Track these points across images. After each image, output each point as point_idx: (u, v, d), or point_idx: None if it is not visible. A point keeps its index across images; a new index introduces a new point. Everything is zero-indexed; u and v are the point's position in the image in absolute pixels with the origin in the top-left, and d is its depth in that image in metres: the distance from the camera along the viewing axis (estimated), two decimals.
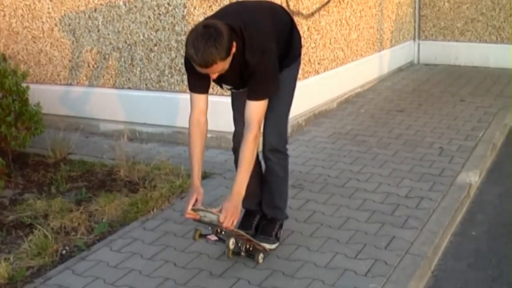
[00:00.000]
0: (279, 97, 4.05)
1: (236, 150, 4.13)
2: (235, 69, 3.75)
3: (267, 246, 4.15)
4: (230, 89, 4.14)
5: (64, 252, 4.39)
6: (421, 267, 4.00)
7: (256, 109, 3.82)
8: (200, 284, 3.84)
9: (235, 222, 3.74)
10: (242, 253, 4.02)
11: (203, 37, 3.49)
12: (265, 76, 3.82)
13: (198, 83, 3.90)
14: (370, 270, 3.90)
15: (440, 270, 4.17)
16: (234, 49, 3.64)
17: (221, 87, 4.12)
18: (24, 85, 6.04)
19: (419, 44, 10.97)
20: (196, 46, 3.50)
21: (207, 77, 3.79)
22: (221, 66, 3.59)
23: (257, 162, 4.16)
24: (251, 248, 4.03)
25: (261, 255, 4.07)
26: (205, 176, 5.59)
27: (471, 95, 8.39)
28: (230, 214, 3.68)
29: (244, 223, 4.39)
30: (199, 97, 3.94)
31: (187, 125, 6.16)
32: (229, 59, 3.63)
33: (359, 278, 3.83)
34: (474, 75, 9.71)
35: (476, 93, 8.50)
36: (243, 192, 3.79)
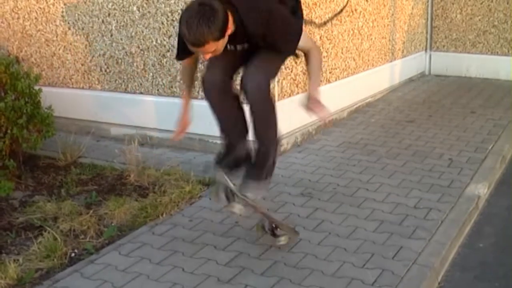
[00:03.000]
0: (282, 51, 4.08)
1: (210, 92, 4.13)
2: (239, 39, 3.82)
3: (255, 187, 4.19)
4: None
5: (73, 255, 4.41)
6: (428, 278, 4.00)
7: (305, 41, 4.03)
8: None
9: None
10: (267, 231, 4.30)
11: (197, 15, 3.45)
12: (287, 29, 3.91)
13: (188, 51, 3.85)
14: (377, 280, 3.91)
15: (447, 282, 4.17)
16: (229, 30, 3.61)
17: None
18: (36, 87, 6.07)
19: (430, 55, 10.97)
20: (189, 24, 3.46)
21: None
22: (214, 46, 3.54)
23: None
24: (277, 228, 4.29)
25: (284, 237, 4.25)
26: (214, 182, 5.60)
27: (482, 107, 8.39)
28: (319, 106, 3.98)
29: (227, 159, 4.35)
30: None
31: (198, 131, 6.20)
32: (224, 40, 3.59)
33: (366, 287, 3.84)
34: (485, 87, 9.71)
35: (487, 105, 8.50)
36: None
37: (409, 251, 4.30)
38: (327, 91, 7.32)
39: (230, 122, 4.27)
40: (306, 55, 4.09)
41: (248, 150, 4.29)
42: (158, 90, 6.95)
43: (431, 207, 5.05)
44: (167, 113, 6.89)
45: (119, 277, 4.06)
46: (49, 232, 4.53)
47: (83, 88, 7.56)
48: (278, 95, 6.47)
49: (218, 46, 3.58)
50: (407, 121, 7.76)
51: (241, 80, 3.93)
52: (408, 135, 7.11)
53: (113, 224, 4.84)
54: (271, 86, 4.07)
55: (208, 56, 3.64)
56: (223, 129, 4.31)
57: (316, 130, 7.10)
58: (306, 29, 5.19)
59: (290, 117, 6.63)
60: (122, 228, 4.81)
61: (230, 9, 3.64)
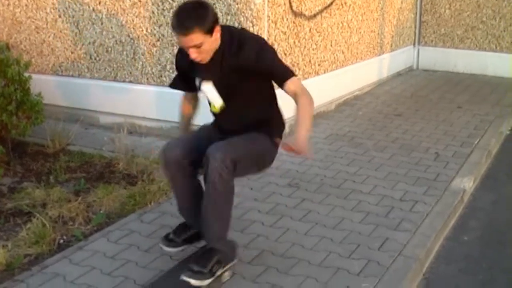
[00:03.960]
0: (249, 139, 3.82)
1: (168, 165, 3.85)
2: (220, 66, 3.69)
3: (194, 281, 3.58)
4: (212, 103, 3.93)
5: (61, 241, 4.43)
6: (413, 269, 4.05)
7: (295, 82, 3.68)
8: None
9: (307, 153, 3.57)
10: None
11: (187, 7, 3.51)
12: (275, 58, 3.73)
13: (181, 83, 4.08)
14: (362, 270, 3.95)
15: (432, 273, 4.22)
16: (217, 34, 3.56)
17: (199, 88, 3.92)
18: (26, 75, 6.08)
19: (418, 50, 11.04)
20: (179, 13, 3.49)
21: (191, 79, 3.88)
22: (200, 39, 3.45)
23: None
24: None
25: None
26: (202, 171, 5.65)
27: (469, 102, 8.45)
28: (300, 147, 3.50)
29: (177, 233, 4.04)
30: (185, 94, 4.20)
31: None
32: (210, 39, 3.51)
33: (352, 277, 3.87)
34: (472, 82, 9.79)
35: (474, 100, 8.57)
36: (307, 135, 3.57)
37: (394, 242, 4.34)
38: (315, 83, 7.37)
39: (187, 201, 3.98)
40: (296, 99, 3.67)
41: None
42: (147, 79, 6.98)
43: (417, 199, 5.10)
44: (156, 102, 6.93)
45: (107, 263, 4.08)
46: (37, 219, 4.55)
47: (72, 76, 7.56)
48: None
49: (204, 43, 3.49)
50: (394, 114, 7.81)
51: (205, 154, 3.61)
52: (395, 129, 7.17)
53: (101, 211, 4.87)
54: (232, 173, 3.62)
55: (193, 54, 3.52)
56: (179, 206, 4.06)
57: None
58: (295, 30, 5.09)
59: (289, 105, 6.69)
60: (111, 215, 4.84)
61: (222, 29, 3.65)
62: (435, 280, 4.14)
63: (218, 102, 3.85)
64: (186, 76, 3.97)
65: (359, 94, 8.84)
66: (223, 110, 3.89)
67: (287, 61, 6.86)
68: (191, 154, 3.78)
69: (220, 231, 3.76)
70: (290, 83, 3.67)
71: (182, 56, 3.83)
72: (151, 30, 6.78)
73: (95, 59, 7.31)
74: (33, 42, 7.71)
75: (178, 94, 6.53)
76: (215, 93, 3.81)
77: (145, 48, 6.89)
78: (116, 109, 7.23)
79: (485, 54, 10.38)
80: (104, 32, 7.13)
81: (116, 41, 7.08)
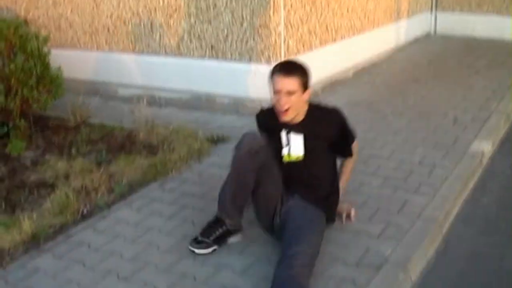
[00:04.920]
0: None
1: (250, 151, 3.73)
2: (310, 125, 3.93)
3: (197, 250, 3.81)
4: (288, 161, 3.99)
5: (85, 211, 4.49)
6: (432, 231, 4.09)
7: (356, 144, 4.20)
8: None
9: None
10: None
11: (294, 61, 3.97)
12: (345, 122, 4.09)
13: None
14: (382, 233, 3.99)
15: (451, 235, 4.25)
16: (307, 96, 3.84)
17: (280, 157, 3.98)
18: (45, 49, 6.13)
19: (436, 15, 10.98)
20: (285, 62, 4.13)
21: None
22: (296, 87, 3.73)
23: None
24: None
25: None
26: (222, 139, 5.72)
27: (486, 67, 8.43)
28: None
29: (206, 230, 3.90)
30: None
31: (204, 90, 6.25)
32: (301, 95, 3.78)
33: (372, 239, 3.92)
34: (490, 47, 9.75)
35: (491, 65, 8.55)
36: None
37: (413, 206, 4.38)
38: (333, 50, 7.39)
39: (238, 196, 3.84)
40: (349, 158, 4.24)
41: (236, 227, 3.91)
42: (165, 50, 7.01)
43: (435, 164, 5.12)
44: (175, 73, 6.97)
45: (131, 231, 4.15)
46: (61, 190, 4.63)
47: (91, 49, 7.61)
48: (284, 54, 6.53)
49: (296, 94, 3.75)
50: (412, 80, 7.81)
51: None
52: (413, 94, 7.18)
53: (123, 181, 4.92)
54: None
55: (284, 101, 3.74)
56: (227, 192, 3.85)
57: (322, 89, 7.15)
58: None
59: None
60: (133, 184, 4.89)
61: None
62: (454, 242, 4.17)
63: (299, 152, 3.95)
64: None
65: (376, 61, 8.83)
66: (296, 162, 3.96)
67: (303, 29, 6.89)
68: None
69: None
70: (354, 144, 4.17)
71: (264, 117, 4.15)
72: (167, 2, 6.80)
73: (113, 32, 7.35)
74: (51, 17, 7.76)
75: (196, 64, 6.56)
76: (301, 145, 3.94)
77: (162, 20, 6.91)
78: (135, 81, 7.29)
79: (503, 18, 10.31)
80: (121, 5, 7.16)
81: (133, 13, 7.11)
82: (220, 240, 3.85)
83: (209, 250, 3.80)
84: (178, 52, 6.93)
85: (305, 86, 3.79)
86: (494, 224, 4.44)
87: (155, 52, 7.11)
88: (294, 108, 3.80)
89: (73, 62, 7.41)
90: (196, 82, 6.82)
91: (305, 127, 3.92)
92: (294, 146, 3.94)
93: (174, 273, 3.61)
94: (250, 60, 6.48)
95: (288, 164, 3.95)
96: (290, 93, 3.72)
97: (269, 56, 6.39)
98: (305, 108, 3.92)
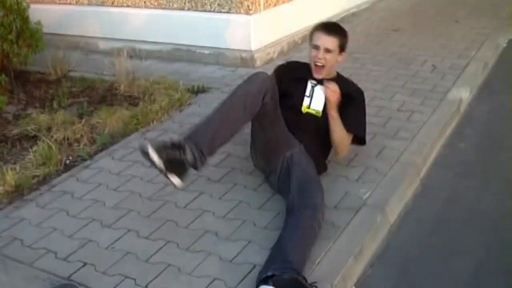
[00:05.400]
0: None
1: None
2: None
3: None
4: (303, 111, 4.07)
5: (68, 161, 4.55)
6: (410, 174, 4.17)
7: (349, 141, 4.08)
8: (198, 189, 4.01)
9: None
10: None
11: (337, 24, 4.25)
12: (363, 108, 4.19)
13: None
14: (361, 177, 4.07)
15: (428, 178, 4.34)
16: (341, 59, 4.06)
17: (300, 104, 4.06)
18: (24, 4, 6.12)
19: None
20: (328, 22, 4.21)
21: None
22: (335, 47, 3.95)
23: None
24: None
25: None
26: (202, 90, 5.75)
27: (466, 16, 8.46)
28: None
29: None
30: None
31: (185, 42, 6.24)
32: (336, 56, 4.00)
33: (351, 183, 4.00)
34: None
35: (472, 14, 8.58)
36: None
37: (392, 150, 4.45)
38: (311, 1, 7.39)
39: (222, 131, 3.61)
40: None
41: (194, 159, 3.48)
42: (145, 2, 6.99)
43: (414, 109, 5.18)
44: (155, 25, 6.97)
45: (113, 179, 4.22)
46: (43, 141, 4.67)
47: (70, 3, 7.58)
48: (264, 4, 6.53)
49: (333, 53, 3.97)
50: (392, 29, 7.85)
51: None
52: (393, 43, 7.22)
53: (105, 132, 4.97)
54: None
55: (321, 55, 3.94)
56: (204, 130, 3.60)
57: (302, 39, 7.17)
58: None
59: (277, 27, 6.73)
60: (114, 135, 4.94)
61: None
62: (431, 185, 4.26)
63: (319, 107, 4.04)
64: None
65: (356, 11, 8.84)
66: (310, 116, 4.04)
67: None
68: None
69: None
70: (350, 139, 4.07)
71: (295, 66, 4.35)
72: None
73: None
74: None
75: (176, 16, 6.55)
76: (323, 101, 4.01)
77: None
78: (116, 34, 7.28)
79: None
80: None
81: None
82: (169, 164, 3.39)
83: (155, 159, 3.35)
84: (157, 3, 6.92)
85: (342, 48, 4.02)
86: (471, 167, 4.53)
87: (135, 5, 7.09)
88: (328, 67, 4.01)
89: (52, 17, 7.39)
90: (176, 34, 6.82)
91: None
92: (316, 100, 4.06)
93: (156, 220, 3.68)
94: (229, 10, 6.48)
95: (303, 115, 4.04)
96: (328, 50, 3.95)
97: (248, 7, 6.39)
98: (335, 70, 4.17)
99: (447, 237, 3.67)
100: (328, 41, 3.95)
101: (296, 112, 4.01)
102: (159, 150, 3.36)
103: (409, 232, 3.72)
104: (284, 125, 3.83)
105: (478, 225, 3.78)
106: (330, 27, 4.04)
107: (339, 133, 3.93)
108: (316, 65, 3.99)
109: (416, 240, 3.65)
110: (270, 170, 3.90)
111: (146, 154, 3.37)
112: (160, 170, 3.39)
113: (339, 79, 4.12)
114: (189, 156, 3.42)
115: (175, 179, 3.43)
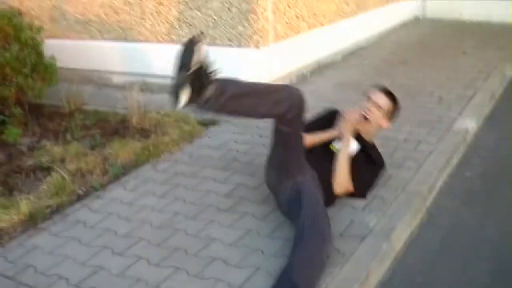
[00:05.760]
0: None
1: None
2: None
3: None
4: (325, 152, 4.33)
5: (80, 192, 4.61)
6: (416, 203, 4.22)
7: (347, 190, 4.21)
8: (208, 218, 4.08)
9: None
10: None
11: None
12: (376, 175, 4.42)
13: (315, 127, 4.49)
14: (367, 206, 4.13)
15: (434, 207, 4.39)
16: (385, 126, 4.45)
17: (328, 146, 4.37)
18: (38, 38, 6.25)
19: None
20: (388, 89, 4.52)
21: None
22: (386, 108, 4.39)
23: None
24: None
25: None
26: (213, 123, 5.85)
27: (473, 48, 8.57)
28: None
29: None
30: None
31: None
32: (381, 120, 4.40)
33: (357, 212, 4.06)
34: (477, 29, 9.88)
35: (478, 46, 8.68)
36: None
37: (398, 179, 4.51)
38: (321, 34, 7.50)
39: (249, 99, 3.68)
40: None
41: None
42: (157, 37, 7.12)
43: (420, 140, 5.26)
44: (167, 60, 7.06)
45: (125, 209, 4.29)
46: (57, 172, 4.75)
47: (84, 39, 7.72)
48: (273, 38, 6.65)
49: (381, 115, 4.37)
50: (400, 62, 7.94)
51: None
52: (400, 75, 7.32)
53: (117, 163, 5.04)
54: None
55: (371, 110, 4.34)
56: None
57: (311, 73, 7.27)
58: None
59: (286, 60, 6.84)
60: (126, 166, 5.02)
61: None
62: (437, 213, 4.31)
63: (353, 149, 4.33)
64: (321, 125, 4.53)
65: (365, 44, 8.95)
66: (334, 154, 4.25)
67: (291, 13, 7.00)
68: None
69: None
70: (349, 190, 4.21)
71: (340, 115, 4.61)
72: None
73: (105, 21, 7.45)
74: (44, 8, 7.85)
75: None
76: (355, 146, 4.35)
77: (153, 8, 7.02)
78: (128, 69, 7.39)
79: (489, 1, 10.43)
80: None
81: (124, 2, 7.21)
82: (192, 80, 3.44)
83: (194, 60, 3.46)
84: (169, 39, 7.04)
85: (390, 115, 4.43)
86: (476, 196, 4.57)
87: (147, 40, 7.22)
88: (373, 123, 4.39)
89: (66, 52, 7.49)
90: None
91: (360, 142, 4.37)
92: (351, 145, 4.33)
93: (166, 248, 3.74)
94: (239, 45, 6.61)
95: (327, 151, 4.31)
96: (379, 107, 4.34)
97: (258, 41, 6.51)
98: (373, 135, 4.53)
99: (452, 264, 3.72)
100: (382, 99, 4.36)
101: (323, 145, 4.34)
102: (199, 61, 3.45)
103: (415, 259, 3.77)
104: (302, 153, 3.97)
105: (483, 253, 3.83)
106: (388, 91, 4.45)
107: (341, 163, 4.15)
108: (363, 117, 4.33)
109: (421, 267, 3.69)
110: (280, 189, 3.98)
111: (193, 44, 3.49)
112: (182, 75, 3.41)
113: (369, 145, 4.45)
114: (209, 92, 3.47)
115: (183, 97, 3.41)
